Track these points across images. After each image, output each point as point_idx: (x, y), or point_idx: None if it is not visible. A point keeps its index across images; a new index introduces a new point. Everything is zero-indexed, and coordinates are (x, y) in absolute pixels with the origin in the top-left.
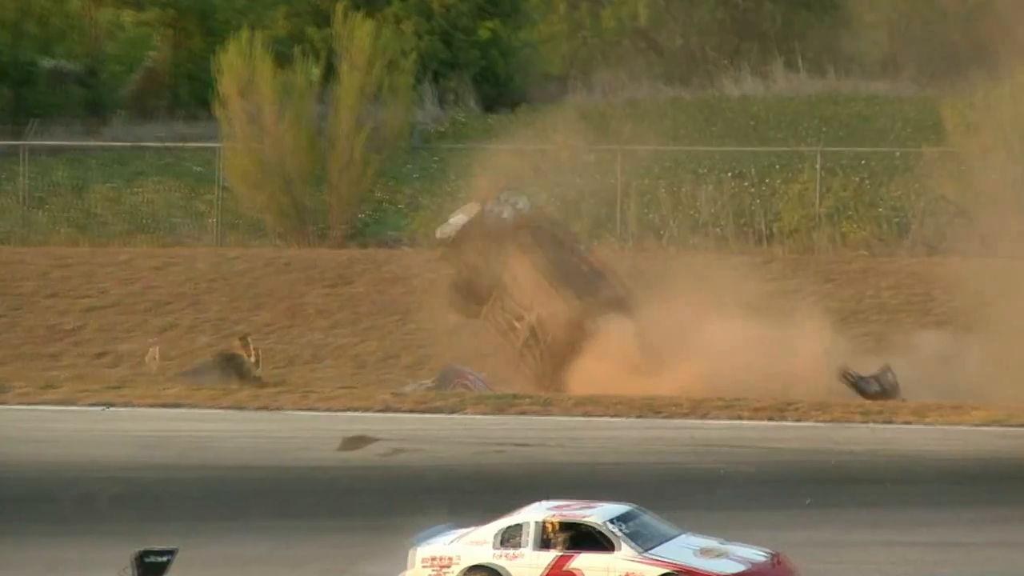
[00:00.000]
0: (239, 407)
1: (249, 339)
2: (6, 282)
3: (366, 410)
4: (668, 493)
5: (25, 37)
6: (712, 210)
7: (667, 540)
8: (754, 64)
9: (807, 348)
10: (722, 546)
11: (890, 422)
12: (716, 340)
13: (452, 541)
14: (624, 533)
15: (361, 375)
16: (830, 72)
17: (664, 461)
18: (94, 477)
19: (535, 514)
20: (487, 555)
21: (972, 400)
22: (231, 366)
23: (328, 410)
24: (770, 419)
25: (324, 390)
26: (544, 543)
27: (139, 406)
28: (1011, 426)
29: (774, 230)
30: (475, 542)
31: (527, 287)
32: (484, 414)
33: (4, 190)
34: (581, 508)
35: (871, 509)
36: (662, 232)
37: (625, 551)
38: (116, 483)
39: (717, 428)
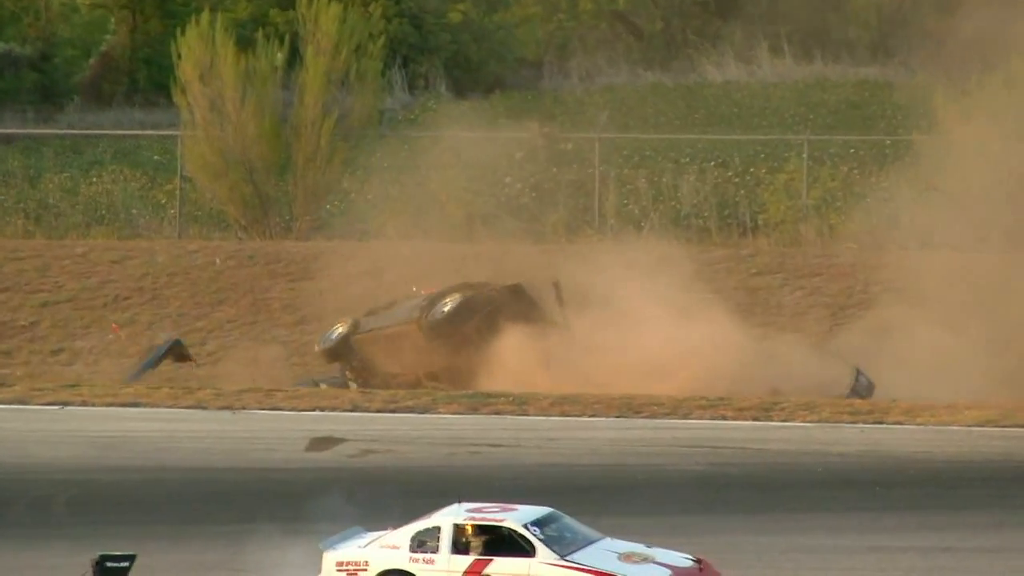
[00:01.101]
0: (201, 406)
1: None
2: None
3: (333, 409)
4: (647, 495)
5: None
6: (694, 201)
7: (588, 544)
8: (737, 49)
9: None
10: (645, 551)
11: (880, 422)
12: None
13: (365, 545)
14: (542, 537)
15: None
16: (817, 57)
17: (644, 463)
18: (49, 479)
19: (450, 517)
20: (400, 559)
21: (964, 399)
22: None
23: (294, 409)
24: (755, 419)
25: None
26: (459, 547)
27: (96, 405)
28: (1006, 426)
29: (759, 222)
30: (389, 546)
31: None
32: (457, 413)
33: None
34: (498, 511)
35: (859, 513)
36: (642, 224)
37: (543, 555)
38: (72, 485)
39: (700, 428)
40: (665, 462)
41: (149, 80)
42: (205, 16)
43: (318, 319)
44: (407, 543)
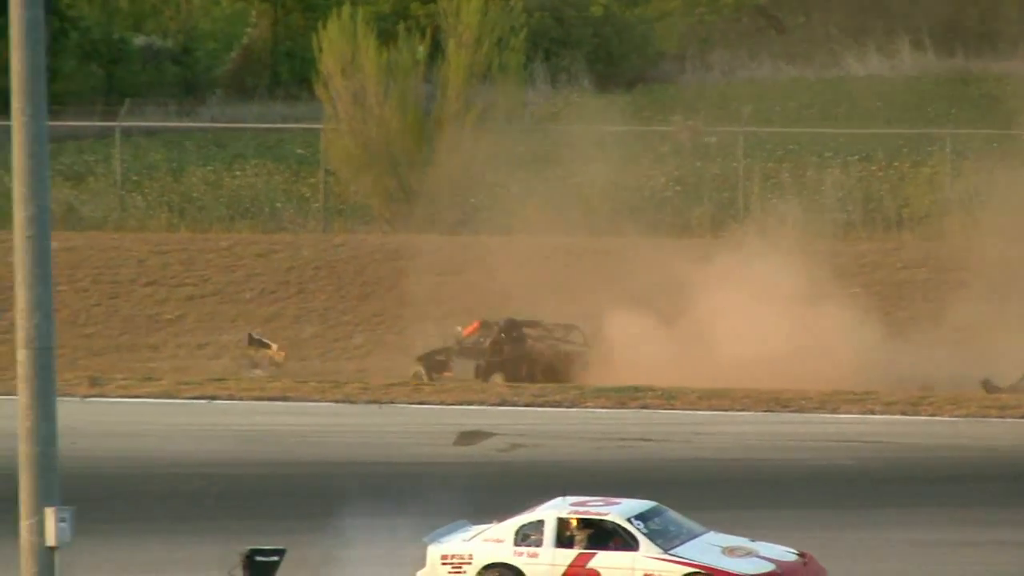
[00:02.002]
0: (348, 400)
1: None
2: (102, 269)
3: (481, 403)
4: (794, 490)
5: (116, 14)
6: (838, 195)
7: (691, 538)
8: (879, 43)
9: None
10: (749, 545)
11: None
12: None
13: (469, 539)
14: (646, 531)
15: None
16: (959, 51)
17: (792, 457)
18: (197, 473)
19: (554, 511)
20: (505, 553)
21: None
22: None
23: (441, 403)
24: (903, 413)
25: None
26: (563, 541)
27: (243, 399)
28: None
29: (904, 216)
30: (493, 540)
31: None
32: (605, 408)
33: (98, 173)
34: (602, 505)
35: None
36: (786, 218)
37: (647, 549)
38: (220, 479)
39: (848, 422)
40: (813, 457)
41: (291, 73)
42: (346, 10)
43: (464, 313)
44: (511, 537)
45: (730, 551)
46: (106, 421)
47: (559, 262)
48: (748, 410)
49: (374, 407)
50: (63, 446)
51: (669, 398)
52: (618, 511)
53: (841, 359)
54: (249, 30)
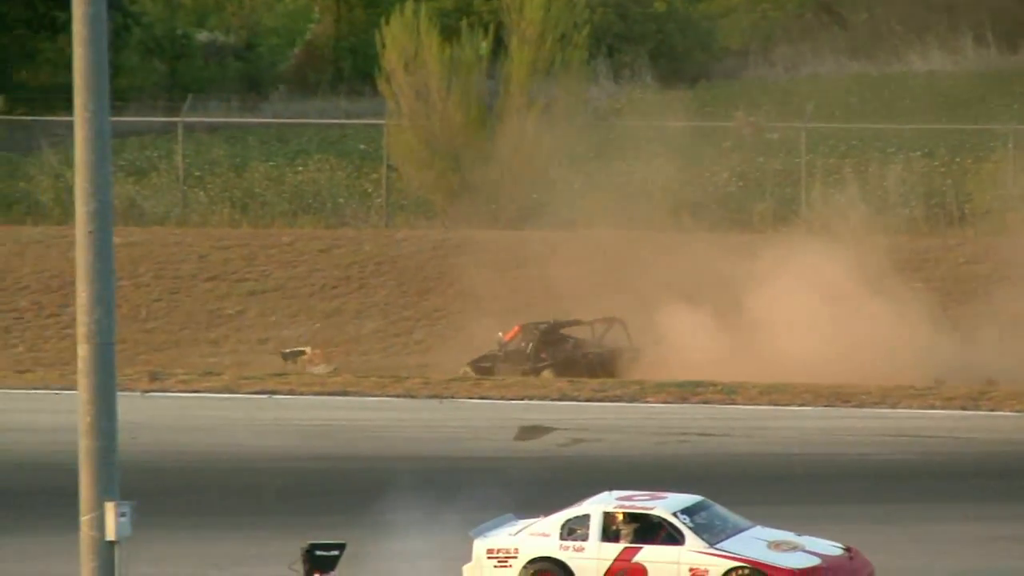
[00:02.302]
0: (409, 395)
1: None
2: (164, 265)
3: (542, 398)
4: (855, 485)
5: (179, 10)
6: (901, 191)
7: (737, 533)
8: (942, 38)
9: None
10: (795, 539)
11: None
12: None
13: (515, 533)
14: (692, 525)
15: None
16: (1022, 46)
17: (852, 452)
18: (258, 468)
19: (600, 505)
20: (550, 547)
21: None
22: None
23: (502, 398)
24: (963, 408)
25: (498, 377)
26: (609, 535)
27: (304, 394)
28: None
29: (966, 211)
30: (539, 534)
31: None
32: (666, 402)
33: (160, 169)
34: (648, 499)
35: None
36: (849, 213)
37: (692, 543)
38: (281, 474)
39: (909, 418)
40: (873, 452)
41: (354, 69)
42: (409, 5)
43: (525, 308)
44: (557, 531)
45: (775, 545)
46: (166, 416)
47: (620, 257)
48: (808, 405)
49: (435, 402)
50: (123, 441)
51: (730, 393)
52: (664, 505)
53: (902, 354)
54: (312, 26)
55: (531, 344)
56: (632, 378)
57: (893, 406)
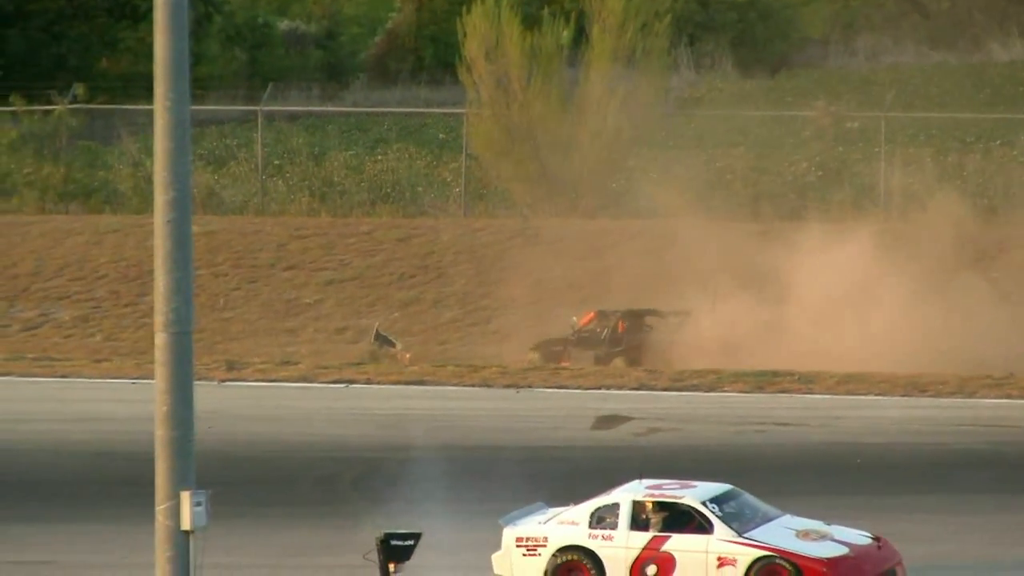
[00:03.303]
0: (486, 384)
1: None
2: (242, 253)
3: (620, 388)
4: (932, 474)
5: None
6: (980, 180)
7: (766, 522)
8: (1023, 27)
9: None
10: (823, 528)
11: None
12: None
13: (544, 521)
14: (721, 514)
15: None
16: None
17: (929, 442)
18: (334, 457)
19: (630, 494)
20: (580, 536)
21: None
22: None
23: (579, 388)
24: None
25: (574, 367)
26: (638, 524)
27: (381, 383)
28: None
29: None
30: (567, 522)
31: None
32: (743, 392)
33: (240, 158)
34: (677, 488)
35: None
36: (927, 203)
37: (721, 532)
38: (357, 464)
39: (986, 407)
40: (950, 441)
41: (434, 58)
42: None
43: (602, 297)
44: (586, 519)
45: (804, 534)
46: (243, 405)
47: (700, 247)
48: (886, 395)
49: (512, 391)
50: (200, 430)
51: (807, 382)
52: (693, 494)
53: (979, 343)
54: (393, 15)
55: (606, 330)
56: (709, 368)
57: (970, 395)
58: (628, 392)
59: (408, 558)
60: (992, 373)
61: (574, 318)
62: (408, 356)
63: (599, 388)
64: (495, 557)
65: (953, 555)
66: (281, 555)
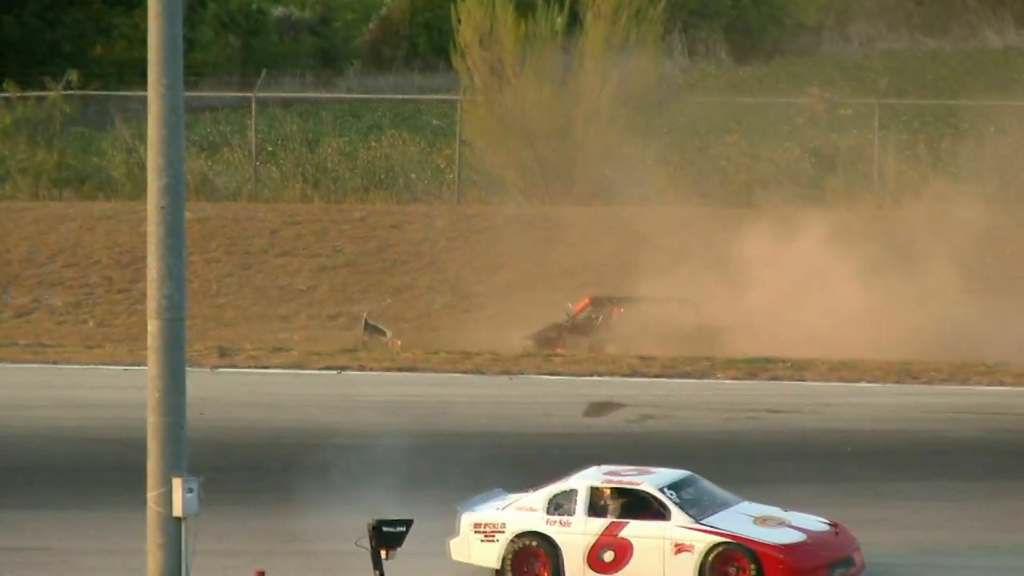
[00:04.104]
0: (479, 371)
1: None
2: (235, 240)
3: (612, 375)
4: (925, 462)
5: None
6: (973, 167)
7: (723, 508)
8: (1017, 14)
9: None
10: (781, 514)
11: None
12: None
13: (501, 507)
14: (678, 500)
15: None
16: None
17: (922, 429)
18: (327, 444)
19: (587, 480)
20: (537, 522)
21: None
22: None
23: (572, 374)
24: None
25: (568, 353)
26: (596, 510)
27: (373, 370)
28: None
29: None
30: (525, 508)
31: None
32: (735, 379)
33: (233, 144)
34: (635, 474)
35: None
36: (920, 189)
37: (678, 519)
38: (350, 451)
39: (978, 394)
40: (942, 429)
41: (428, 45)
42: None
43: (596, 284)
44: (544, 505)
45: (761, 521)
46: (235, 392)
47: (693, 233)
48: (878, 381)
49: (505, 378)
50: (192, 416)
51: (799, 369)
52: (650, 480)
53: (971, 330)
54: (387, 1)
55: (600, 317)
56: (701, 355)
57: (963, 382)
58: (620, 379)
59: (400, 544)
60: (984, 360)
61: (569, 304)
62: (399, 343)
63: (591, 375)
64: (452, 543)
65: (948, 541)
66: (273, 541)
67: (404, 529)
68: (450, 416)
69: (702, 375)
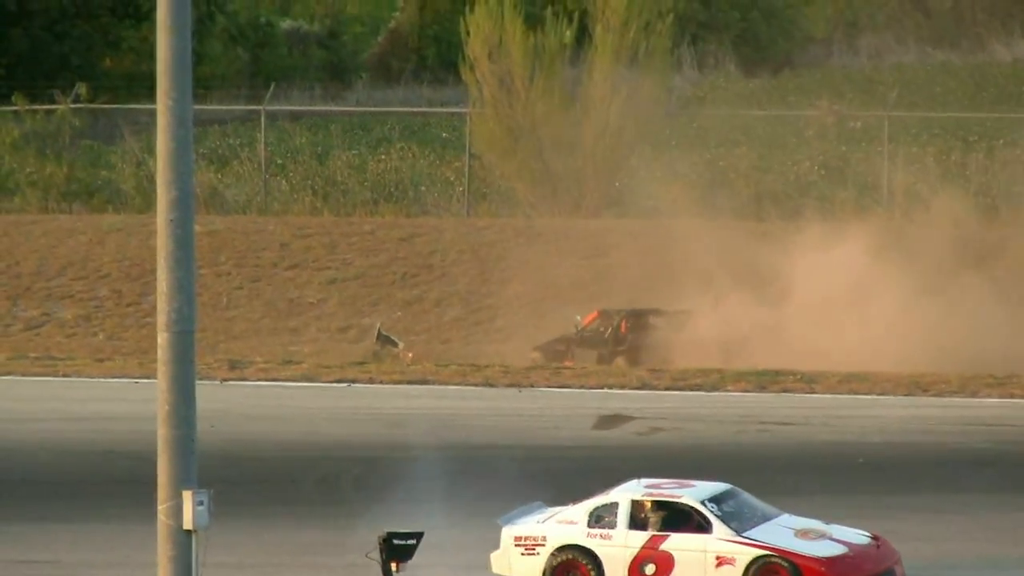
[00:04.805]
0: (489, 384)
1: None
2: (245, 253)
3: (622, 387)
4: (934, 474)
5: None
6: (983, 180)
7: (764, 521)
8: None
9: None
10: (822, 527)
11: None
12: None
13: (543, 520)
14: (719, 513)
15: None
16: None
17: (932, 441)
18: (337, 456)
19: (628, 493)
20: (578, 535)
21: None
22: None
23: (582, 387)
24: None
25: (577, 366)
26: (637, 523)
27: (384, 383)
28: None
29: None
30: (566, 521)
31: None
32: (746, 391)
33: (243, 157)
34: (676, 487)
35: None
36: (930, 202)
37: (720, 531)
38: (359, 463)
39: (988, 406)
40: (952, 441)
41: (437, 58)
42: None
43: (606, 296)
44: (585, 518)
45: (803, 533)
46: (245, 404)
47: (703, 246)
48: (888, 394)
49: (514, 390)
50: (202, 429)
51: (809, 382)
52: (692, 493)
53: (982, 343)
54: (396, 14)
55: (609, 329)
56: (712, 367)
57: (972, 395)
58: (630, 392)
59: (410, 557)
60: (994, 372)
61: (578, 317)
62: (411, 355)
63: (601, 388)
64: (493, 556)
65: (956, 554)
66: (284, 554)
67: (415, 542)
68: (460, 429)
69: (712, 388)
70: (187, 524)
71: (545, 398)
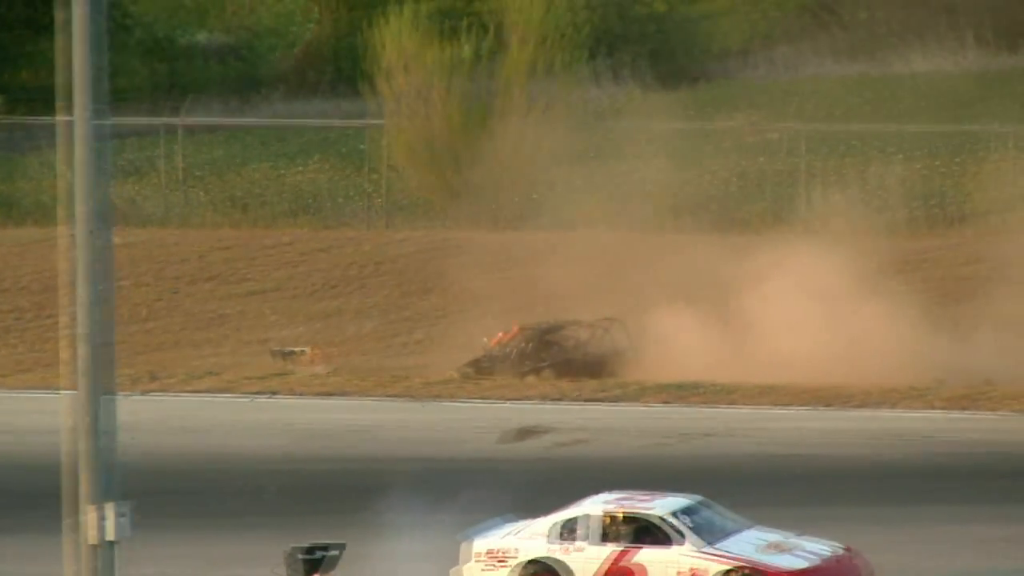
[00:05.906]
0: (408, 395)
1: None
2: (163, 265)
3: (542, 399)
4: (856, 486)
5: (179, 11)
6: (900, 191)
7: (733, 534)
8: (942, 38)
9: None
10: (790, 540)
11: None
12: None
13: (508, 535)
14: (690, 525)
15: None
16: (1022, 47)
17: (852, 454)
18: (257, 469)
19: (598, 506)
20: (547, 548)
21: None
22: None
23: (501, 400)
24: (963, 409)
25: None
26: (607, 536)
27: (304, 395)
28: None
29: (965, 212)
30: (532, 535)
31: None
32: (666, 403)
33: (159, 169)
34: (646, 500)
35: None
36: (847, 214)
37: (689, 544)
38: (280, 475)
39: (908, 418)
40: (872, 453)
41: (353, 69)
42: (409, 5)
43: (525, 308)
44: (554, 531)
45: (773, 546)
46: (165, 416)
47: (619, 258)
48: (808, 406)
49: (433, 403)
50: (122, 441)
51: (729, 393)
52: (662, 506)
53: (901, 355)
54: (312, 26)
55: (531, 344)
56: (631, 379)
57: (893, 406)
58: (550, 404)
59: (334, 568)
60: (915, 385)
61: (485, 339)
62: (319, 354)
63: (521, 400)
64: (453, 572)
65: (880, 566)
66: (204, 566)
67: (337, 553)
68: (378, 441)
69: (632, 399)
70: (109, 535)
71: (464, 411)
